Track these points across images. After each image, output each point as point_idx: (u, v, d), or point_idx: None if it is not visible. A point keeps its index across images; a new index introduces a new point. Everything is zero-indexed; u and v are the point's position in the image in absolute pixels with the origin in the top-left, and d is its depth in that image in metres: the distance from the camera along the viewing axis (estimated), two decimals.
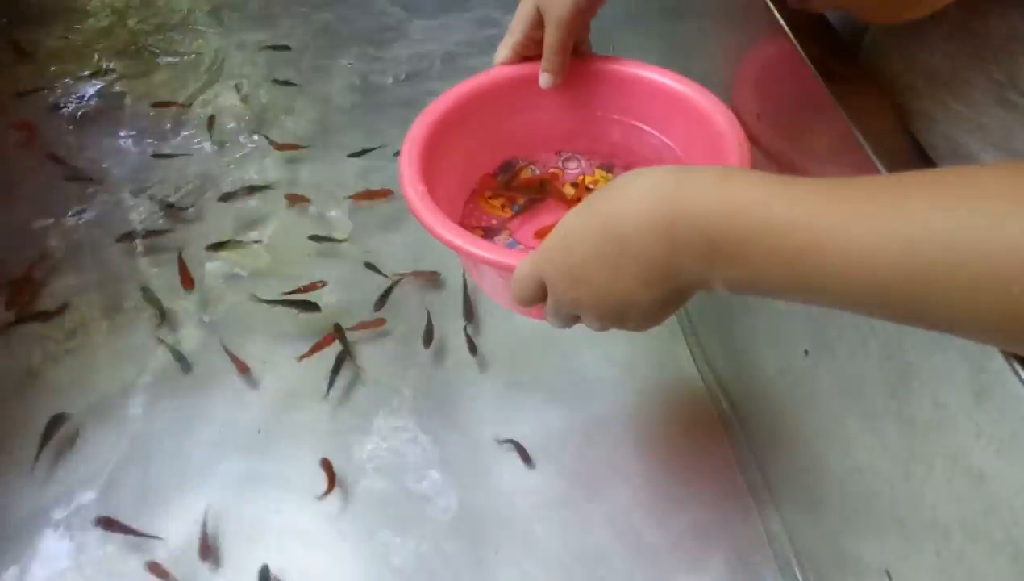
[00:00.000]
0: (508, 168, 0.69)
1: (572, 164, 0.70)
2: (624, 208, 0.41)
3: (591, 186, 0.67)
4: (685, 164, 0.62)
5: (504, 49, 0.64)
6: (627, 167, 0.68)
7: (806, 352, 0.61)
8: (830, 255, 0.35)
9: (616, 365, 0.87)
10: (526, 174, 0.69)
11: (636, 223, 0.41)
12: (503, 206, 0.67)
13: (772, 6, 0.56)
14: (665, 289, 0.42)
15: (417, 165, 0.58)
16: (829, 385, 0.58)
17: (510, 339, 0.90)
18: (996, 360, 0.39)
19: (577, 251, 0.44)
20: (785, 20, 0.54)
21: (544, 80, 0.63)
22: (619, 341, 0.87)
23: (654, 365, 0.87)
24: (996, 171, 0.33)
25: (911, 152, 0.47)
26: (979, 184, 0.32)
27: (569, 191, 0.67)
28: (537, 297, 0.49)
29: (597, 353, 0.87)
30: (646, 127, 0.65)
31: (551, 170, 0.69)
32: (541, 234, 0.64)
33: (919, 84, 0.50)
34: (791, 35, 0.54)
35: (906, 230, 0.33)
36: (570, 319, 0.50)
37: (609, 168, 0.68)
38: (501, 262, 0.51)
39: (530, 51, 0.63)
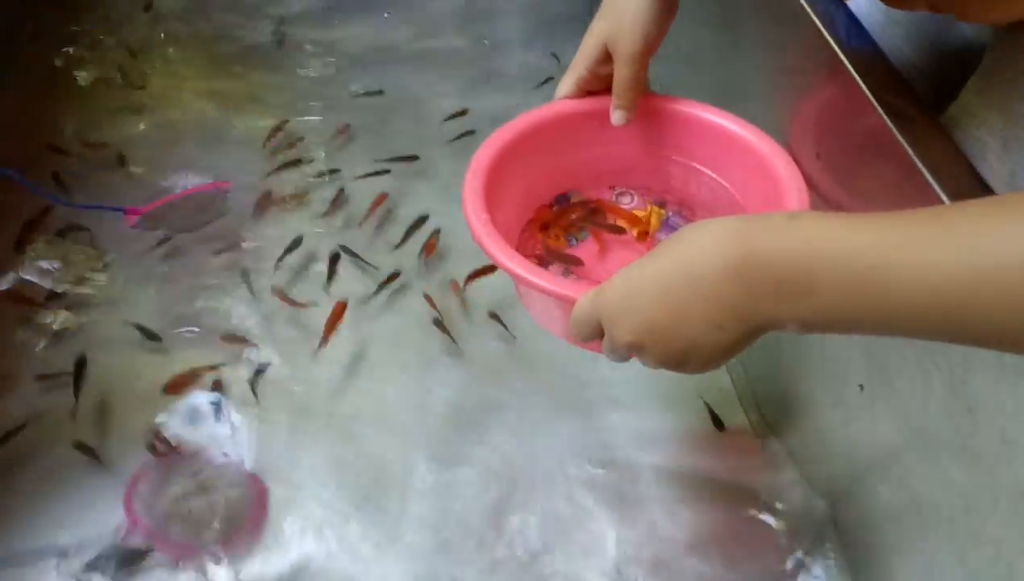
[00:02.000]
0: (563, 200, 0.71)
1: (625, 198, 0.71)
2: (695, 252, 0.42)
3: (639, 216, 0.68)
4: (741, 205, 0.63)
5: (567, 84, 0.65)
6: (681, 205, 0.69)
7: (861, 387, 0.62)
8: (899, 277, 0.36)
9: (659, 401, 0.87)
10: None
11: (708, 266, 0.41)
12: (557, 237, 0.68)
13: (833, 43, 0.57)
14: (735, 331, 0.42)
15: (480, 193, 0.60)
16: (886, 420, 0.59)
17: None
18: None
19: (641, 294, 0.45)
20: (847, 56, 0.56)
21: (617, 117, 0.64)
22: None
23: (696, 407, 0.87)
24: None
25: (978, 188, 0.48)
26: None
27: (622, 223, 0.68)
28: (594, 335, 0.49)
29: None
30: (704, 168, 0.67)
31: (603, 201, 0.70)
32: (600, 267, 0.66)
33: None
34: (854, 72, 0.55)
35: (971, 237, 0.34)
36: (628, 357, 0.50)
37: (662, 204, 0.70)
38: (561, 294, 0.52)
39: (593, 86, 0.65)
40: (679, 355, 0.45)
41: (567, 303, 0.51)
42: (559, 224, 0.69)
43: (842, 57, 0.56)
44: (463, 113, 1.21)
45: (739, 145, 0.62)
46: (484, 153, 0.63)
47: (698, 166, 0.67)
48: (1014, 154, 0.52)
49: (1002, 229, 0.34)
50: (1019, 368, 0.43)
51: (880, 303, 0.37)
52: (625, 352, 0.48)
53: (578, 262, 0.66)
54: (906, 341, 0.46)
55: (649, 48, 0.60)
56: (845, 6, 0.64)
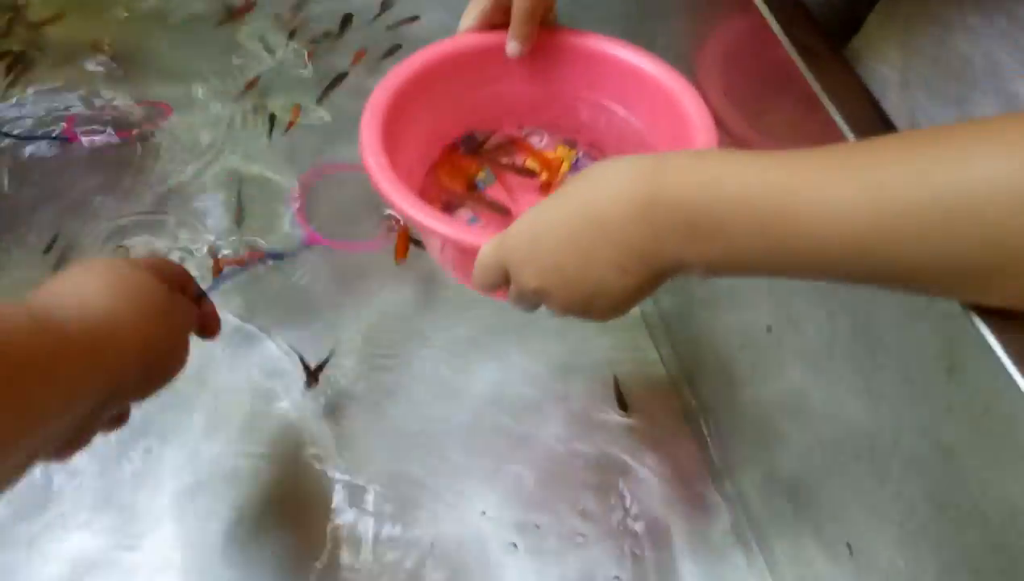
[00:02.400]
0: (470, 140, 0.68)
1: (535, 138, 0.68)
2: (601, 195, 0.41)
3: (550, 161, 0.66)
4: (650, 144, 0.61)
5: (470, 16, 0.62)
6: (590, 144, 0.67)
7: (769, 329, 0.61)
8: (805, 216, 0.35)
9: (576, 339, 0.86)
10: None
11: (614, 209, 0.40)
12: (463, 183, 0.65)
13: None
14: (641, 275, 0.41)
15: (378, 134, 0.56)
16: (793, 360, 0.58)
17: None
18: (969, 333, 0.39)
19: (547, 238, 0.43)
20: None
21: (512, 48, 0.61)
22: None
23: (612, 345, 0.87)
24: (962, 124, 0.34)
25: (883, 125, 0.47)
26: (948, 133, 0.33)
27: (533, 165, 0.66)
28: (500, 282, 0.48)
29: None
30: (613, 105, 0.64)
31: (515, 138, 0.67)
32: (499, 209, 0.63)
33: None
34: (761, 5, 0.53)
35: (878, 177, 0.33)
36: (535, 305, 0.49)
37: (572, 144, 0.67)
38: (465, 242, 0.50)
39: (497, 19, 0.61)
40: (585, 300, 0.44)
41: (471, 251, 0.49)
42: (465, 166, 0.66)
43: None
44: None
45: (647, 82, 0.60)
46: (382, 92, 0.59)
47: (607, 103, 0.64)
48: (913, 90, 0.52)
49: (903, 168, 0.33)
50: (918, 309, 0.43)
51: (786, 245, 0.36)
52: (532, 299, 0.47)
53: (506, 211, 0.63)
54: (812, 283, 0.45)
55: None
56: None
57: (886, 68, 0.54)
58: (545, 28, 0.62)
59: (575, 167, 0.66)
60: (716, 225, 0.37)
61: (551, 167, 0.65)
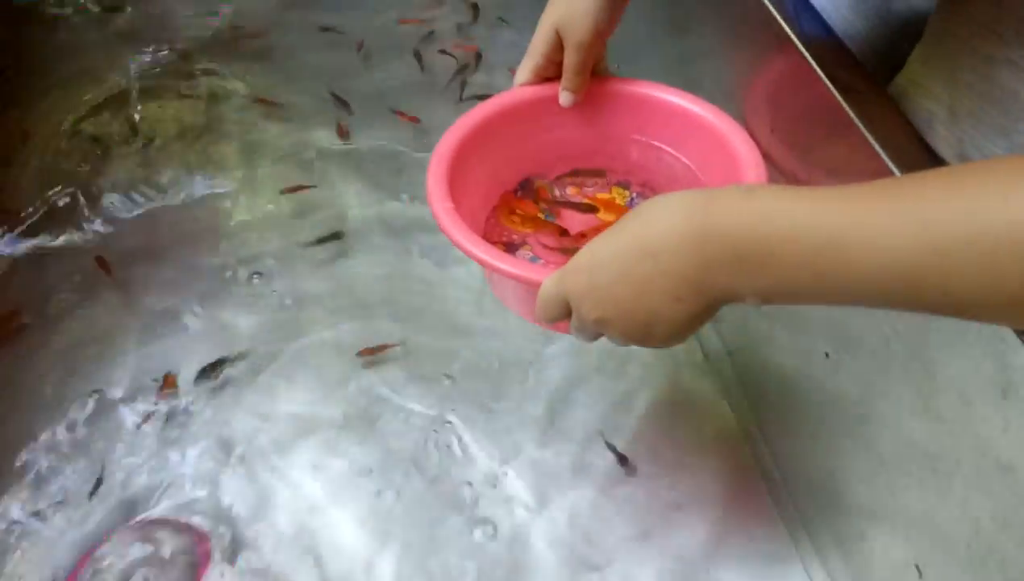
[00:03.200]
0: (527, 184, 0.71)
1: (588, 181, 0.72)
2: (654, 228, 0.43)
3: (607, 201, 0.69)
4: (702, 181, 0.64)
5: (524, 71, 0.66)
6: (644, 185, 0.70)
7: (827, 355, 0.63)
8: (853, 250, 0.36)
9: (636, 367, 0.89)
10: (545, 189, 0.71)
11: (667, 241, 0.42)
12: (523, 222, 0.69)
13: (783, 22, 0.58)
14: (695, 304, 0.43)
15: (444, 181, 0.60)
16: (851, 385, 0.60)
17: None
18: (1020, 355, 0.41)
19: (605, 271, 0.46)
20: (797, 35, 0.56)
21: (564, 99, 0.65)
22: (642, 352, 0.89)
23: (669, 373, 0.89)
24: (1005, 159, 0.35)
25: (927, 159, 0.49)
26: (991, 169, 0.34)
27: (590, 202, 0.69)
28: (562, 315, 0.51)
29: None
30: (664, 146, 0.67)
31: (570, 188, 0.71)
32: (562, 248, 0.66)
33: (1007, 33, 0.51)
34: (801, 47, 0.56)
35: (923, 213, 0.35)
36: (595, 335, 0.51)
37: (626, 185, 0.70)
38: (528, 278, 0.53)
39: (550, 72, 0.66)
40: (642, 329, 0.46)
41: (534, 287, 0.52)
42: (525, 209, 0.69)
43: (789, 32, 0.57)
44: None
45: (695, 122, 0.63)
46: (446, 142, 0.63)
47: (658, 144, 0.68)
48: (961, 123, 0.53)
49: (949, 204, 0.34)
50: (970, 335, 0.44)
51: (834, 277, 0.38)
52: (592, 329, 0.49)
53: (592, 209, 0.67)
54: (865, 310, 0.46)
55: (599, 35, 0.61)
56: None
57: (932, 103, 0.56)
58: (595, 77, 0.66)
59: (630, 206, 0.69)
60: (765, 257, 0.39)
61: (611, 207, 0.69)
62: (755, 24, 0.62)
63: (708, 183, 0.63)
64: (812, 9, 0.60)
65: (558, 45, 0.63)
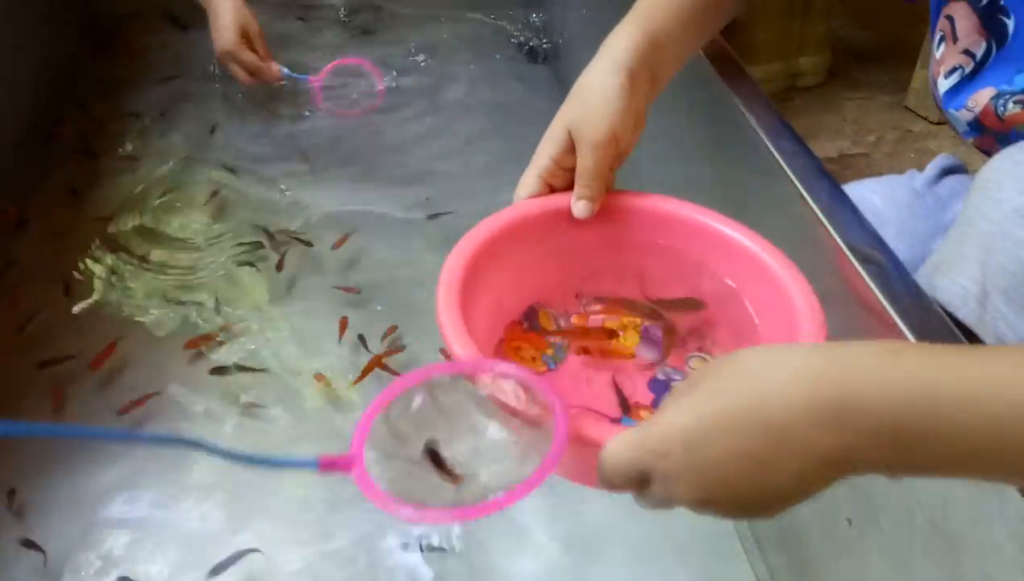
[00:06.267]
0: (532, 314, 0.63)
1: (595, 307, 0.64)
2: (773, 399, 0.37)
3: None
4: (734, 291, 0.60)
5: (529, 178, 0.59)
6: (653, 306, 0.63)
7: (849, 521, 0.63)
8: (1012, 427, 0.33)
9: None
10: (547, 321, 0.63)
11: (792, 415, 0.36)
12: (533, 359, 0.60)
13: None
14: (826, 482, 0.38)
15: (457, 312, 0.52)
16: (874, 554, 0.59)
17: None
18: None
19: (710, 448, 0.38)
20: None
21: (580, 209, 0.58)
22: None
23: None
24: None
25: (950, 335, 0.51)
26: None
27: (612, 324, 0.62)
28: (635, 486, 0.42)
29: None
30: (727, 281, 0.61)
31: (574, 316, 0.63)
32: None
33: None
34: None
35: None
36: (671, 508, 0.43)
37: (632, 305, 0.63)
38: (589, 436, 0.44)
39: (556, 179, 0.59)
40: (755, 511, 0.40)
41: (594, 447, 0.43)
42: (533, 342, 0.61)
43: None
44: None
45: (725, 237, 0.60)
46: (453, 267, 0.56)
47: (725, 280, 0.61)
48: (993, 300, 0.57)
49: None
50: (991, 512, 0.45)
51: (1000, 446, 0.34)
52: (675, 507, 0.42)
53: (613, 334, 0.60)
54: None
55: (616, 138, 0.57)
56: (846, 197, 0.65)
57: (965, 281, 0.60)
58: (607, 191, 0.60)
59: (644, 334, 0.62)
60: (927, 430, 0.35)
61: (628, 329, 0.61)
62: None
63: (741, 290, 0.59)
64: (865, 222, 0.63)
65: (568, 147, 0.58)
